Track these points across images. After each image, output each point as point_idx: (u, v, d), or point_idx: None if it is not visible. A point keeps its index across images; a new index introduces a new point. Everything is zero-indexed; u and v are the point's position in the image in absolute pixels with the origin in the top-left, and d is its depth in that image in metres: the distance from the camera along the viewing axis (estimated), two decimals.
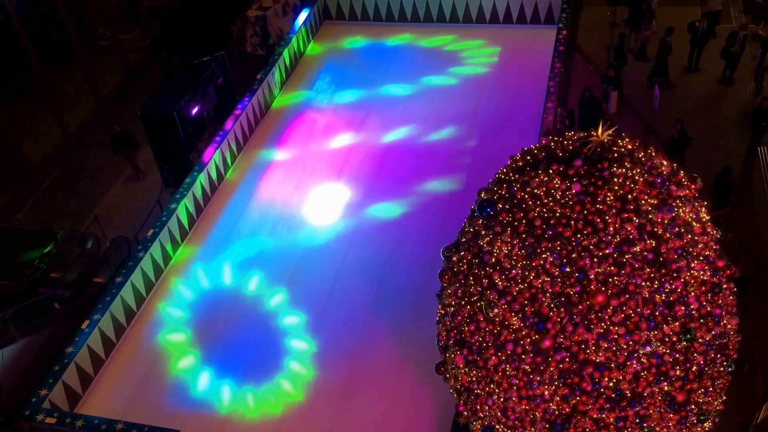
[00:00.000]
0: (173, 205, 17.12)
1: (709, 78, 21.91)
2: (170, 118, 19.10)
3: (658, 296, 8.87)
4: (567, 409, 9.25)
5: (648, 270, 8.79)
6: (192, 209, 17.64)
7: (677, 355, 9.08)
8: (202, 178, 17.96)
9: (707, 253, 9.31)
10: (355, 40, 24.26)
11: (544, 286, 9.01)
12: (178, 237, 17.13)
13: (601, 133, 9.04)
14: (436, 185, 18.07)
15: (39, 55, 21.53)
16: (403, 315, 14.99)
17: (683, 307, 9.00)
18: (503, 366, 9.44)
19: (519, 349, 9.25)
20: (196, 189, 17.78)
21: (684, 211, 9.17)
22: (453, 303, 10.26)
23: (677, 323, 8.99)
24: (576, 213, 8.88)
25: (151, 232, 16.50)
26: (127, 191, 20.54)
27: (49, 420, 13.05)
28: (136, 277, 15.67)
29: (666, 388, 9.16)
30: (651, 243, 8.81)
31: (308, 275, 16.24)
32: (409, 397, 13.52)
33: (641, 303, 8.84)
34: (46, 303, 16.30)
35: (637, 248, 8.77)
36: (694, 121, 19.97)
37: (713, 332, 9.29)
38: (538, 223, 9.13)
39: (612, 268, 8.76)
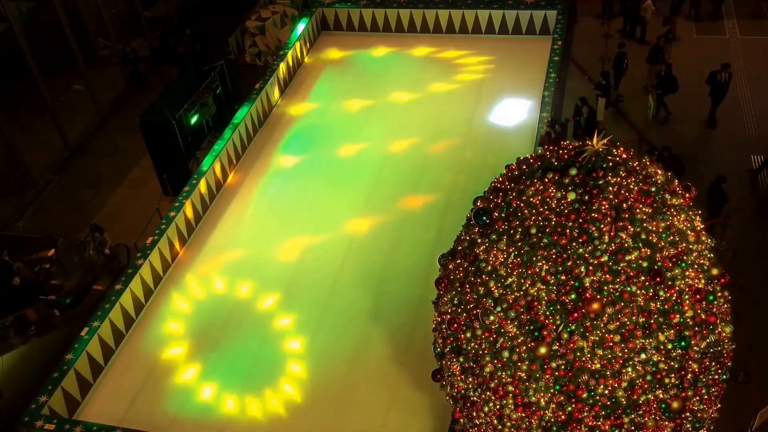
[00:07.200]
0: (172, 213, 17.21)
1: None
2: (170, 127, 19.20)
3: (653, 304, 8.95)
4: (562, 417, 9.30)
5: (643, 278, 8.88)
6: (191, 217, 17.72)
7: (672, 363, 9.15)
8: (200, 186, 18.06)
9: (702, 261, 9.39)
10: (352, 51, 24.39)
11: (540, 294, 9.08)
12: (177, 245, 17.21)
13: (596, 142, 9.15)
14: (433, 193, 18.14)
15: (39, 65, 21.64)
16: (400, 322, 15.06)
17: (678, 315, 9.08)
18: (499, 373, 9.49)
19: (515, 357, 9.32)
20: (195, 197, 17.87)
21: (678, 220, 9.25)
22: (449, 311, 10.33)
23: (672, 331, 9.06)
24: (571, 221, 8.96)
25: (150, 239, 16.59)
26: (126, 199, 20.59)
27: (48, 426, 13.11)
28: (135, 285, 15.75)
29: (661, 395, 9.22)
30: (646, 251, 8.89)
31: (305, 283, 16.29)
32: (406, 405, 13.56)
33: (636, 311, 8.92)
34: (46, 310, 16.35)
35: (632, 256, 8.86)
36: (690, 136, 20.11)
37: (708, 340, 9.37)
38: (533, 231, 9.21)
39: (607, 276, 8.84)
